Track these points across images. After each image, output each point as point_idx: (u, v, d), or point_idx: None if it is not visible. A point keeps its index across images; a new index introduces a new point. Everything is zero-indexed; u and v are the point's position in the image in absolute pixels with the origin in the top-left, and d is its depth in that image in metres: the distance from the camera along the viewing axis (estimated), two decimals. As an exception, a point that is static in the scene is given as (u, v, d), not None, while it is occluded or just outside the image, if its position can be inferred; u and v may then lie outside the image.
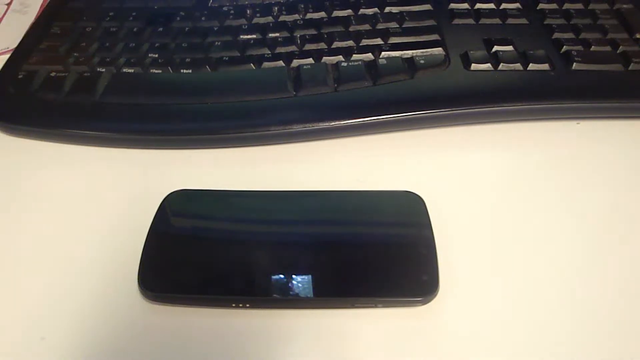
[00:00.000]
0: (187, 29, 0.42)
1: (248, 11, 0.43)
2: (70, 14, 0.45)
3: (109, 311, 0.29)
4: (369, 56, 0.39)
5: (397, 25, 0.41)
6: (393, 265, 0.29)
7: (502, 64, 0.38)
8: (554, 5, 0.42)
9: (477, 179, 0.34)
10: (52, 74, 0.39)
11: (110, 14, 0.44)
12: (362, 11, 0.42)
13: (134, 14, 0.44)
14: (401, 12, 0.42)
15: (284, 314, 0.28)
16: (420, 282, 0.28)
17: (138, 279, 0.29)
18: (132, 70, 0.39)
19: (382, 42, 0.40)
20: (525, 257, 0.30)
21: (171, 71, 0.39)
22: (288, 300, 0.28)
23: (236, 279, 0.28)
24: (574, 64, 0.38)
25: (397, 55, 0.39)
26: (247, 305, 0.28)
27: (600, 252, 0.30)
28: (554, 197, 0.33)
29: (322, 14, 0.42)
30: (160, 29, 0.42)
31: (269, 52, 0.40)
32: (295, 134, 0.36)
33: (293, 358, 0.27)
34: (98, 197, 0.34)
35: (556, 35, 0.40)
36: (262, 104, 0.37)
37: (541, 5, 0.42)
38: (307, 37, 0.40)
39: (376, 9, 0.42)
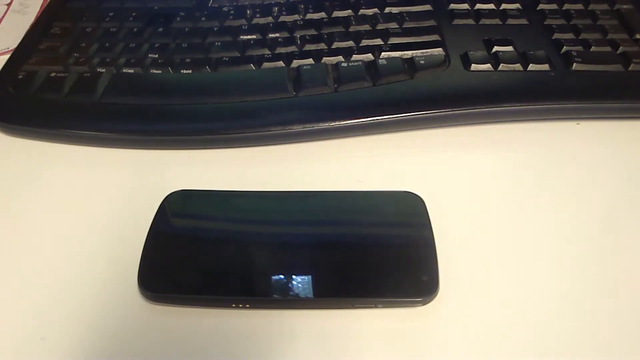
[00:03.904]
0: (187, 29, 0.42)
1: (248, 11, 0.43)
2: (70, 14, 0.45)
3: (109, 311, 0.29)
4: (369, 56, 0.39)
5: (397, 26, 0.41)
6: (393, 266, 0.29)
7: (502, 64, 0.38)
8: (554, 6, 0.42)
9: (477, 179, 0.34)
10: (52, 75, 0.39)
11: (110, 14, 0.44)
12: (362, 11, 0.42)
13: (134, 14, 0.44)
14: (401, 13, 0.42)
15: (284, 314, 0.28)
16: (420, 283, 0.28)
17: (138, 279, 0.28)
18: (132, 71, 0.39)
19: (382, 43, 0.40)
20: (525, 257, 0.30)
21: (171, 71, 0.39)
22: (288, 300, 0.28)
23: (236, 279, 0.28)
24: (574, 65, 0.38)
25: (397, 55, 0.39)
26: (247, 305, 0.28)
27: (600, 252, 0.30)
28: (554, 197, 0.33)
29: (322, 15, 0.42)
30: (160, 29, 0.42)
31: (269, 53, 0.40)
32: (295, 134, 0.36)
33: (293, 358, 0.27)
34: (98, 197, 0.34)
35: (556, 35, 0.40)
36: (262, 104, 0.37)
37: (541, 6, 0.42)
38: (307, 37, 0.40)
39: (376, 10, 0.42)
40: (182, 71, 0.39)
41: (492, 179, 0.34)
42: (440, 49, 0.39)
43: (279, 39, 0.41)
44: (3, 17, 0.50)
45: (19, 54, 0.42)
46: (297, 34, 0.41)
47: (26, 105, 0.38)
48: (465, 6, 0.43)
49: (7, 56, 0.42)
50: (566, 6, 0.42)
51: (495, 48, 0.39)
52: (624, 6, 0.42)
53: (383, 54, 0.39)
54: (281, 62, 0.39)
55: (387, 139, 0.37)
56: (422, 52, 0.39)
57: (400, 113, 0.36)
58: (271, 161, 0.36)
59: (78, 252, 0.31)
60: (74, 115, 0.37)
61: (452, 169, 0.35)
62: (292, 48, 0.40)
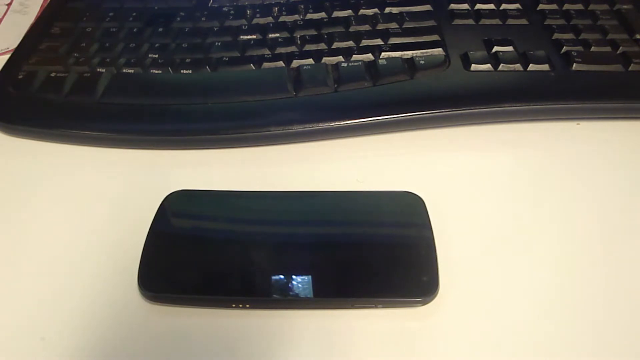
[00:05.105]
0: (187, 29, 0.42)
1: (248, 11, 0.43)
2: (70, 14, 0.45)
3: (108, 311, 0.29)
4: (369, 56, 0.39)
5: (397, 26, 0.41)
6: (393, 266, 0.29)
7: (502, 64, 0.38)
8: (554, 6, 0.42)
9: (477, 179, 0.34)
10: (52, 75, 0.39)
11: (111, 14, 0.44)
12: (362, 11, 0.42)
13: (134, 14, 0.44)
14: (401, 13, 0.42)
15: (284, 314, 0.28)
16: (420, 283, 0.28)
17: (138, 279, 0.28)
18: (132, 71, 0.39)
19: (382, 43, 0.40)
20: (525, 257, 0.30)
21: (171, 71, 0.39)
22: (288, 300, 0.28)
23: (236, 279, 0.28)
24: (574, 65, 0.38)
25: (397, 55, 0.39)
26: (247, 305, 0.28)
27: (600, 252, 0.30)
28: (554, 197, 0.33)
29: (322, 15, 0.42)
30: (160, 29, 0.42)
31: (269, 53, 0.40)
32: (295, 134, 0.36)
33: (293, 358, 0.27)
34: (98, 197, 0.34)
35: (556, 35, 0.40)
36: (262, 105, 0.37)
37: (541, 6, 0.42)
38: (307, 37, 0.40)
39: (376, 10, 0.42)
40: (182, 71, 0.39)
41: (492, 179, 0.34)
42: (440, 49, 0.39)
43: (279, 39, 0.41)
44: (3, 17, 0.50)
45: (19, 54, 0.42)
46: (297, 34, 0.41)
47: (26, 105, 0.38)
48: (465, 6, 0.43)
49: (7, 56, 0.42)
50: (566, 6, 0.42)
51: (495, 48, 0.39)
52: (624, 6, 0.42)
53: (383, 54, 0.39)
54: (281, 62, 0.39)
55: (387, 139, 0.37)
56: (422, 52, 0.39)
57: (400, 113, 0.36)
58: (271, 161, 0.36)
59: (78, 252, 0.31)
60: (74, 115, 0.37)
61: (452, 169, 0.35)
62: (292, 48, 0.40)
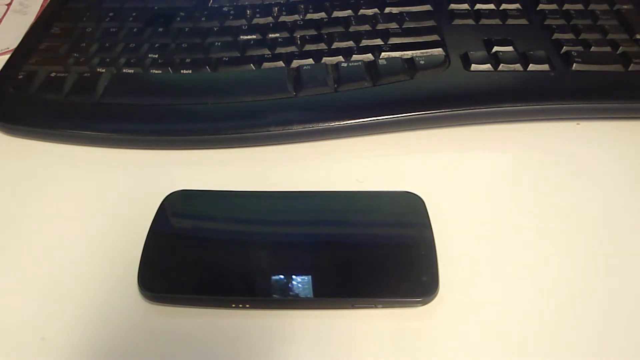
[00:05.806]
0: (187, 29, 0.42)
1: (248, 12, 0.43)
2: (70, 14, 0.45)
3: (108, 311, 0.29)
4: (369, 57, 0.39)
5: (397, 26, 0.41)
6: (393, 266, 0.29)
7: (502, 64, 0.38)
8: (554, 6, 0.42)
9: (477, 179, 0.34)
10: (52, 74, 0.39)
11: (111, 14, 0.44)
12: (362, 12, 0.42)
13: (134, 14, 0.44)
14: (401, 13, 0.42)
15: (284, 314, 0.28)
16: (420, 283, 0.28)
17: (138, 279, 0.28)
18: (132, 71, 0.39)
19: (382, 43, 0.40)
20: (524, 257, 0.30)
21: (171, 71, 0.39)
22: (288, 300, 0.28)
23: (236, 280, 0.28)
24: (574, 65, 0.38)
25: (397, 55, 0.39)
26: (247, 305, 0.28)
27: (599, 253, 0.30)
28: (554, 197, 0.33)
29: (322, 15, 0.42)
30: (161, 29, 0.42)
31: (269, 53, 0.40)
32: (295, 134, 0.36)
33: (292, 358, 0.27)
34: (98, 197, 0.34)
35: (556, 35, 0.40)
36: (262, 105, 0.37)
37: (541, 6, 0.42)
38: (307, 37, 0.40)
39: (376, 10, 0.42)
40: (182, 71, 0.39)
41: (492, 179, 0.34)
42: (440, 49, 0.39)
43: (279, 39, 0.41)
44: (3, 17, 0.50)
45: (19, 54, 0.42)
46: (297, 34, 0.41)
47: (26, 105, 0.38)
48: (465, 6, 0.43)
49: (7, 56, 0.42)
50: (566, 6, 0.42)
51: (495, 48, 0.39)
52: (624, 6, 0.42)
53: (383, 54, 0.39)
54: (281, 62, 0.39)
55: (387, 139, 0.37)
56: (422, 52, 0.39)
57: (400, 113, 0.36)
58: (271, 161, 0.36)
59: (78, 252, 0.31)
60: (74, 115, 0.37)
61: (452, 169, 0.35)
62: (292, 48, 0.40)
